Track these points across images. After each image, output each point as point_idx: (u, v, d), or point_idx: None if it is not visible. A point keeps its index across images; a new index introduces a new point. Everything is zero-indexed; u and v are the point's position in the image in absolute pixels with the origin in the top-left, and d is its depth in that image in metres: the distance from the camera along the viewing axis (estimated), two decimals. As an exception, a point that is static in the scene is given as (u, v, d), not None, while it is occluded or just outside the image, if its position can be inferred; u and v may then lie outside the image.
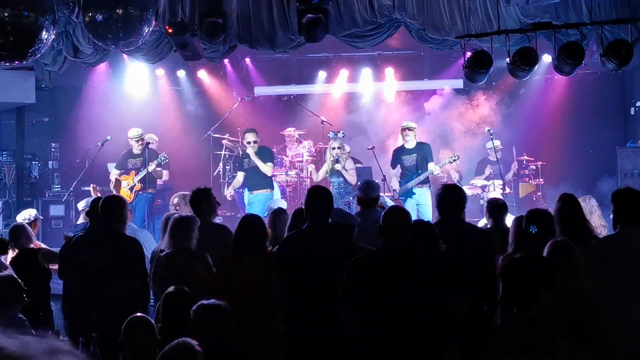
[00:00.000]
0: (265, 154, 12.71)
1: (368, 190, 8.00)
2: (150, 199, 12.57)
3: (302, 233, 6.35)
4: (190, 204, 7.91)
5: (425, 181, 12.26)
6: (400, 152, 12.68)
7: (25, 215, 9.33)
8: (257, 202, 12.42)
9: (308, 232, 6.30)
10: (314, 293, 6.01)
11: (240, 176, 12.99)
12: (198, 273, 6.59)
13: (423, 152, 12.49)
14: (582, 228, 6.33)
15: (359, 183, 11.47)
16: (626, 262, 5.38)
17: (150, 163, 12.71)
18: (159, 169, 13.00)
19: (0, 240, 7.42)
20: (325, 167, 12.80)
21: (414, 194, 12.16)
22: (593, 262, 5.41)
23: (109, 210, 7.05)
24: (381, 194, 9.33)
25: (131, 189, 12.86)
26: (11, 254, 8.08)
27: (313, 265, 6.09)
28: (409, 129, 12.53)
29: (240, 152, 13.28)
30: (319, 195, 6.48)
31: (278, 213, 7.80)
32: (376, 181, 12.78)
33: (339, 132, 13.29)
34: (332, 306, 5.61)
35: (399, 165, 12.62)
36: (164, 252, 6.97)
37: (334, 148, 12.67)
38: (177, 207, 9.79)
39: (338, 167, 12.48)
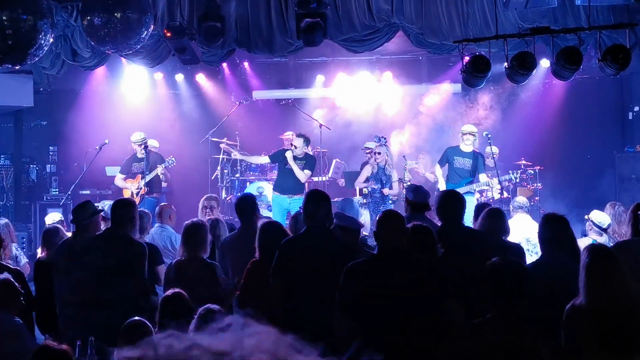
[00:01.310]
0: (310, 162, 12.70)
1: (422, 195, 7.87)
2: (155, 203, 12.56)
3: (299, 237, 6.35)
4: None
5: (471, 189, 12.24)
6: (454, 151, 12.55)
7: (55, 218, 9.37)
8: (296, 207, 12.27)
9: (306, 236, 6.30)
10: (312, 298, 6.00)
11: (262, 159, 13.21)
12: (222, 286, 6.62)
13: (477, 160, 12.41)
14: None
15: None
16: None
17: (158, 166, 12.74)
18: (168, 173, 13.05)
19: None
20: (366, 173, 12.81)
21: None
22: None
23: (118, 213, 7.05)
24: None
25: (137, 192, 12.88)
26: (40, 253, 8.13)
27: (311, 270, 6.08)
28: (471, 133, 12.47)
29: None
30: (317, 198, 6.48)
31: (298, 217, 7.78)
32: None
33: (382, 137, 13.18)
34: (331, 311, 5.61)
35: (447, 165, 12.57)
36: (176, 260, 6.98)
37: (379, 153, 12.64)
38: (212, 210, 9.82)
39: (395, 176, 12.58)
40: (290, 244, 6.38)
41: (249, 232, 7.39)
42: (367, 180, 12.69)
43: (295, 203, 12.06)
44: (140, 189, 12.86)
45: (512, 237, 9.47)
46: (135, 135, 13.09)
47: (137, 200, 12.76)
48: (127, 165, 13.15)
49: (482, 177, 12.36)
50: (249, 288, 6.59)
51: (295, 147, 12.41)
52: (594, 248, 5.13)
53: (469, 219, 8.01)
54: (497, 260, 4.95)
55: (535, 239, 8.12)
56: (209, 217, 9.54)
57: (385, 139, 13.14)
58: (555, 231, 6.04)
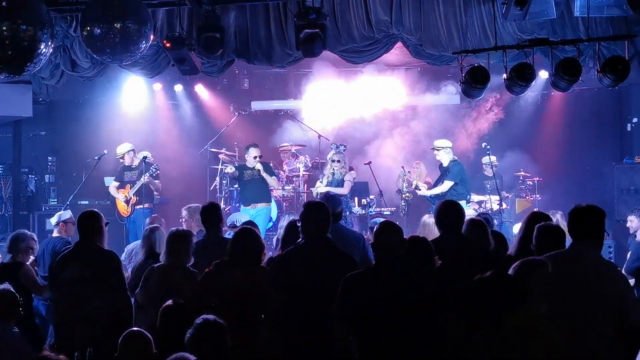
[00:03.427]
0: (269, 168, 13.15)
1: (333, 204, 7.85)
2: (147, 214, 12.56)
3: (300, 249, 6.33)
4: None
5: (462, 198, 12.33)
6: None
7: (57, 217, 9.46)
8: (261, 216, 12.52)
9: (306, 248, 6.28)
10: (312, 309, 5.99)
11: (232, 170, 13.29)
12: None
13: (447, 170, 12.68)
14: None
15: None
16: None
17: (143, 176, 12.80)
18: (156, 181, 13.06)
19: None
20: (325, 180, 12.91)
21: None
22: None
23: (87, 225, 7.06)
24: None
25: (127, 202, 12.91)
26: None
27: (311, 282, 6.07)
28: (434, 148, 12.88)
29: (234, 166, 13.33)
30: (316, 210, 6.47)
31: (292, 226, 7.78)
32: (371, 197, 12.97)
33: (341, 145, 13.32)
34: (329, 323, 5.61)
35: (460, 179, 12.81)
36: (159, 264, 6.98)
37: (333, 161, 12.87)
38: (185, 219, 9.88)
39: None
40: (291, 255, 6.35)
41: (215, 239, 7.52)
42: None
43: (263, 212, 12.83)
44: (130, 198, 12.93)
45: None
46: (120, 148, 13.22)
47: (128, 210, 12.85)
48: (120, 173, 13.34)
49: (446, 184, 12.50)
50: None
51: (261, 157, 13.11)
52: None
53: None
54: (488, 274, 4.89)
55: None
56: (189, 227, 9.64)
57: (344, 146, 13.40)
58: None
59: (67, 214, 9.89)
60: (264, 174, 12.96)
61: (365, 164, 13.41)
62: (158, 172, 13.15)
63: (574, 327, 5.01)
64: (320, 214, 6.39)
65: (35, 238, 8.35)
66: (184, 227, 9.55)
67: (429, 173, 14.32)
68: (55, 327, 7.27)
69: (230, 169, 13.21)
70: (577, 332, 5.01)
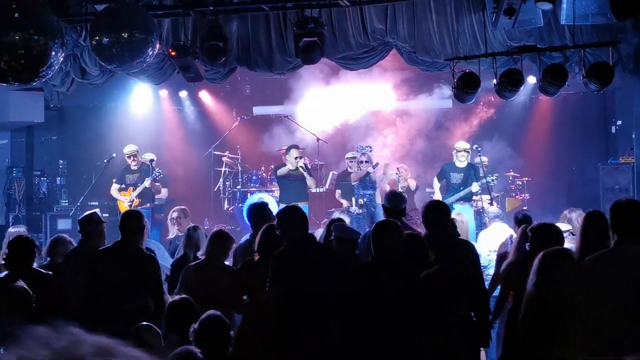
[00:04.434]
0: (309, 169, 13.35)
1: (397, 201, 7.88)
2: (148, 214, 12.51)
3: (290, 249, 6.30)
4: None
5: (468, 198, 12.38)
6: (450, 168, 12.95)
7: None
8: None
9: (295, 248, 6.26)
10: (305, 306, 5.99)
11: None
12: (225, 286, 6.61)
13: (470, 172, 12.80)
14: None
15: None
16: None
17: (146, 179, 12.79)
18: (157, 184, 13.05)
19: None
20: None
21: (453, 209, 12.21)
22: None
23: (126, 225, 7.05)
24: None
25: (130, 204, 12.89)
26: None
27: (305, 279, 6.07)
28: (465, 150, 12.88)
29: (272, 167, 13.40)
30: (293, 215, 6.46)
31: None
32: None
33: (367, 146, 13.45)
34: (322, 318, 5.62)
35: (444, 180, 12.92)
36: (194, 263, 6.95)
37: (361, 162, 13.08)
38: (178, 220, 9.86)
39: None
40: (286, 253, 6.35)
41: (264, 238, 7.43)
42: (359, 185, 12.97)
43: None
44: (132, 201, 12.89)
45: (489, 244, 9.59)
46: (127, 148, 13.20)
47: None
48: (122, 175, 13.30)
49: (474, 186, 12.59)
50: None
51: (301, 158, 13.16)
52: (548, 251, 5.10)
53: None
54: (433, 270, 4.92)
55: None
56: (177, 228, 9.63)
57: (370, 147, 13.39)
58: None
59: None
60: (305, 174, 13.07)
61: (373, 165, 13.44)
62: (161, 176, 13.11)
63: (631, 321, 4.93)
64: (297, 218, 6.39)
65: (74, 243, 8.27)
66: (177, 227, 9.61)
67: (420, 174, 14.35)
68: (74, 321, 7.22)
69: (283, 171, 13.17)
70: (635, 325, 4.91)
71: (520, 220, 8.19)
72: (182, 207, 10.16)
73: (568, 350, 4.59)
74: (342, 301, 5.50)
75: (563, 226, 8.71)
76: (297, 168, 13.00)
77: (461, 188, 12.61)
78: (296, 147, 13.39)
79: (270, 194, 13.90)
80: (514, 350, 5.52)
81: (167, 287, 7.40)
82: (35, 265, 7.32)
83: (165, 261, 8.39)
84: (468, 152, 12.93)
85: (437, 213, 6.84)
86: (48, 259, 8.13)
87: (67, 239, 8.32)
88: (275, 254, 6.39)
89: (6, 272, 6.77)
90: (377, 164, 13.41)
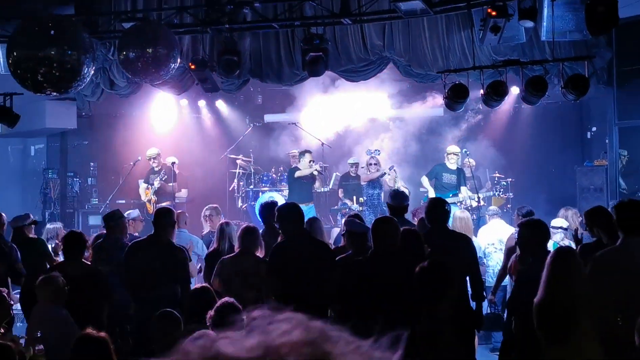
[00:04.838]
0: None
1: (401, 198, 7.87)
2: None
3: (287, 243, 6.27)
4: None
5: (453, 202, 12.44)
6: (442, 168, 12.89)
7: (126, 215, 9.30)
8: (312, 212, 12.31)
9: (292, 241, 6.23)
10: (300, 293, 5.97)
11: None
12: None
13: (460, 176, 12.81)
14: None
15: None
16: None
17: (155, 180, 12.78)
18: (170, 184, 12.95)
19: None
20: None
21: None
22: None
23: (159, 220, 7.07)
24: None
25: (149, 202, 12.90)
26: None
27: (299, 269, 6.05)
28: (455, 153, 12.87)
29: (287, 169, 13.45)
30: (289, 212, 6.43)
31: (313, 221, 7.77)
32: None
33: (375, 150, 13.50)
34: (316, 303, 5.62)
35: (434, 180, 12.85)
36: (229, 255, 6.91)
37: (370, 164, 13.14)
38: (210, 217, 9.75)
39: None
40: (281, 247, 6.31)
41: (272, 232, 7.41)
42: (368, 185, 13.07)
43: (310, 209, 12.50)
44: (150, 199, 12.90)
45: (487, 238, 9.64)
46: (149, 151, 13.19)
47: (150, 208, 12.79)
48: (147, 175, 13.27)
49: (464, 190, 12.70)
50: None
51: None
52: (559, 250, 5.10)
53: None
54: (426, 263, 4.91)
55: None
56: (210, 225, 9.55)
57: (378, 151, 13.42)
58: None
59: (135, 213, 9.81)
60: (317, 177, 13.23)
61: (390, 169, 13.42)
62: (166, 177, 12.94)
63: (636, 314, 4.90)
64: (294, 215, 6.36)
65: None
66: (209, 224, 9.54)
67: (413, 176, 14.34)
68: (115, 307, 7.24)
69: (300, 173, 13.16)
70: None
71: (525, 214, 8.29)
72: (214, 205, 10.05)
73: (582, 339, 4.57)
74: (343, 291, 5.48)
75: (560, 222, 8.75)
76: (312, 173, 13.02)
77: (455, 190, 12.60)
78: (309, 152, 13.37)
79: (280, 193, 13.87)
80: (513, 336, 5.50)
81: (203, 277, 7.39)
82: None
83: (203, 253, 8.39)
84: (458, 155, 12.92)
85: (437, 209, 6.82)
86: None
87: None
88: (273, 248, 6.37)
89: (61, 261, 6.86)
90: (392, 166, 13.41)
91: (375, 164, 13.03)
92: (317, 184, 13.35)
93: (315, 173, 13.06)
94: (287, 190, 13.86)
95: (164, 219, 7.03)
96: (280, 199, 13.11)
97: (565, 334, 4.55)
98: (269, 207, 8.07)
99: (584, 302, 4.62)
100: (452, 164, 12.80)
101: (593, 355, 4.57)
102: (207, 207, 9.96)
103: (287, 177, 13.72)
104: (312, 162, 13.10)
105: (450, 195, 12.27)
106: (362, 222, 6.85)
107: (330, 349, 1.22)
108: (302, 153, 13.35)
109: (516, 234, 6.91)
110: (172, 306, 5.68)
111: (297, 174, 13.12)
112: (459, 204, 12.43)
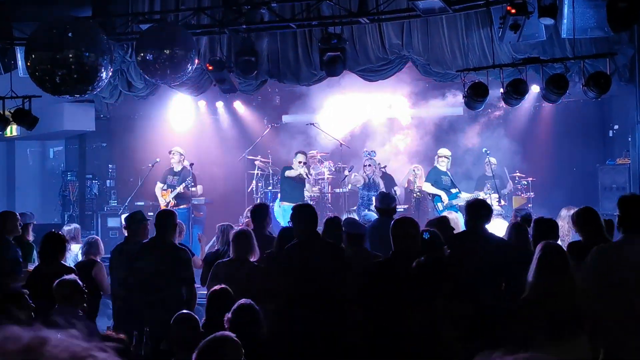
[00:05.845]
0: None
1: (388, 201, 7.87)
2: (185, 213, 12.43)
3: (298, 245, 6.24)
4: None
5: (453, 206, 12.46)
6: (437, 172, 12.85)
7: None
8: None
9: (305, 243, 6.20)
10: (311, 294, 5.93)
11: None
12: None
13: (450, 177, 12.85)
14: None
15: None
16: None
17: (181, 184, 12.73)
18: (193, 189, 12.94)
19: None
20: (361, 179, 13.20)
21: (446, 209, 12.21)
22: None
23: (162, 222, 7.07)
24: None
25: (167, 205, 12.82)
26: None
27: (310, 271, 6.01)
28: (445, 156, 12.90)
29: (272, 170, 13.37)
30: (305, 212, 6.41)
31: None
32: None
33: (372, 151, 13.44)
34: (327, 305, 5.58)
35: (434, 182, 12.82)
36: (224, 260, 6.90)
37: (365, 165, 13.09)
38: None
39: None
40: (293, 249, 6.27)
41: (260, 234, 7.37)
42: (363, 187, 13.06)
43: None
44: (169, 202, 12.80)
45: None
46: (174, 149, 13.16)
47: None
48: (164, 175, 13.22)
49: (463, 195, 12.67)
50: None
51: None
52: (546, 245, 5.02)
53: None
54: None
55: None
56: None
57: (374, 152, 13.46)
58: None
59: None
60: (305, 179, 13.11)
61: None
62: (193, 183, 12.98)
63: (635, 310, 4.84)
64: (307, 214, 6.34)
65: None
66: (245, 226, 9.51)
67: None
68: (118, 309, 7.27)
69: (291, 173, 13.15)
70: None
71: (523, 217, 8.25)
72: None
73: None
74: (363, 293, 5.44)
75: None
76: (299, 174, 12.97)
77: (451, 190, 12.61)
78: (302, 153, 13.28)
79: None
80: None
81: (200, 278, 7.38)
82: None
83: None
84: (449, 158, 12.93)
85: (481, 210, 6.69)
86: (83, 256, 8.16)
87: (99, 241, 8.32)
88: (285, 250, 6.33)
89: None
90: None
91: (369, 166, 12.98)
92: (307, 187, 13.31)
93: (303, 175, 12.99)
94: (306, 192, 13.85)
95: (166, 221, 7.04)
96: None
97: (554, 331, 4.52)
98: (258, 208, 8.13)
99: (574, 299, 4.60)
100: (442, 166, 12.84)
101: (585, 355, 4.53)
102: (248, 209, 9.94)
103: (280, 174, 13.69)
104: (302, 164, 13.01)
105: (455, 196, 12.48)
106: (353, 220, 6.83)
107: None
108: (295, 153, 13.32)
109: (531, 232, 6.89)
110: (179, 307, 5.69)
111: (287, 173, 13.10)
112: (457, 206, 12.39)
